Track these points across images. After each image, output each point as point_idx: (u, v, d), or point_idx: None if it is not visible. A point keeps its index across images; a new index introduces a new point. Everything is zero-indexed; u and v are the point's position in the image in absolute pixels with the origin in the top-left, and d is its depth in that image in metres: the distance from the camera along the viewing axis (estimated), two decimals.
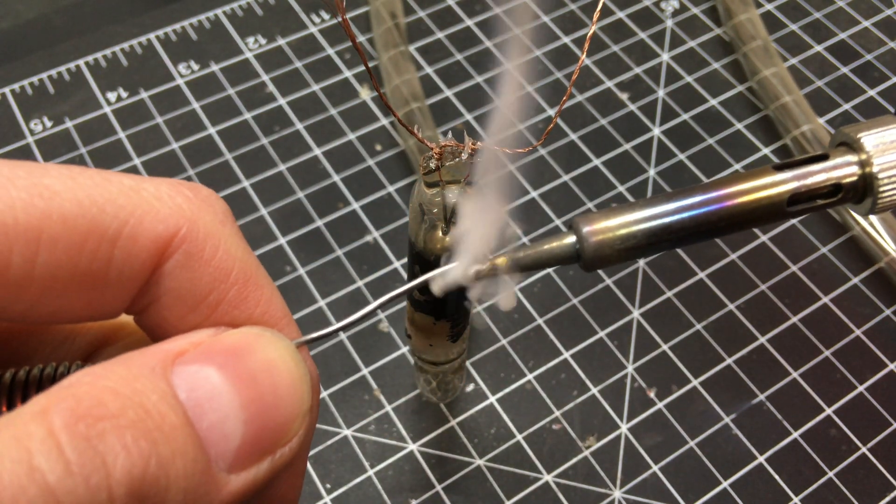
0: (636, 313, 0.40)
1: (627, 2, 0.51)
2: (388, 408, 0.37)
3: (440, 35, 0.49)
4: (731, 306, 0.40)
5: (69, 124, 0.45)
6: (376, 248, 0.41)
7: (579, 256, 0.21)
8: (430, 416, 0.36)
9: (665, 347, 0.38)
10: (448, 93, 0.47)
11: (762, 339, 0.39)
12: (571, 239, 0.21)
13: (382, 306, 0.20)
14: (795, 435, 0.36)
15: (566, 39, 0.49)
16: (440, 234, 0.25)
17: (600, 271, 0.41)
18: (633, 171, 0.44)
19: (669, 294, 0.40)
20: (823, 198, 0.22)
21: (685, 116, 0.46)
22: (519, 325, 0.39)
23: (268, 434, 0.17)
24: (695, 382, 0.38)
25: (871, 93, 0.48)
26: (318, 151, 0.44)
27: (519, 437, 0.36)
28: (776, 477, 0.35)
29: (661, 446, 0.36)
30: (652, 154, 0.45)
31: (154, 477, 0.14)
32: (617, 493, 0.35)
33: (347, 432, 0.36)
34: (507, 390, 0.37)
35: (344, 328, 0.20)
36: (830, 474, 0.35)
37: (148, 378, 0.15)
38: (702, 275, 0.41)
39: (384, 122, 0.45)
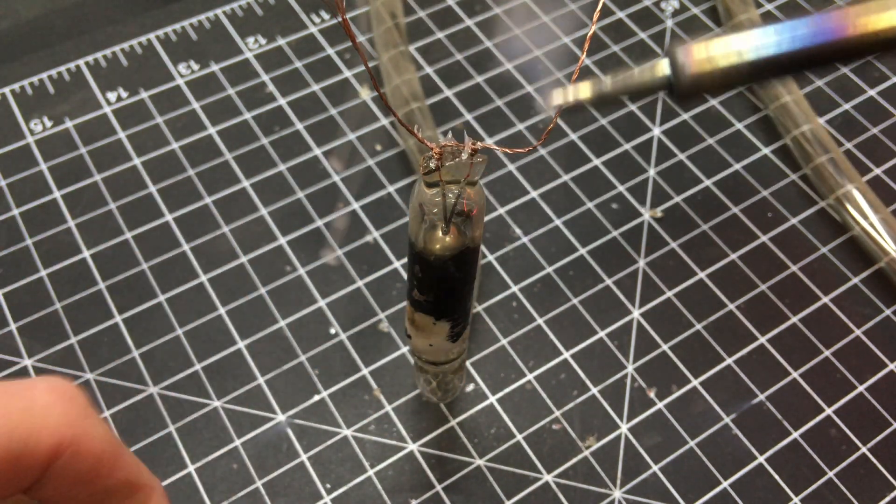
0: (636, 313, 0.40)
1: (627, 2, 0.51)
2: (388, 408, 0.37)
3: (440, 35, 0.49)
4: (731, 306, 0.40)
5: (69, 124, 0.45)
6: (376, 248, 0.41)
7: (672, 86, 0.19)
8: (430, 416, 0.36)
9: (665, 347, 0.39)
10: (448, 93, 0.47)
11: (762, 339, 0.39)
12: (665, 70, 0.19)
13: None
14: (795, 435, 0.36)
15: (566, 39, 0.49)
16: (440, 233, 0.25)
17: (600, 271, 0.41)
18: (633, 170, 0.44)
19: (669, 294, 0.40)
20: None
21: (685, 116, 0.46)
22: (519, 325, 0.39)
23: None
24: (695, 382, 0.38)
25: (871, 93, 0.48)
26: (317, 151, 0.44)
27: (519, 437, 0.36)
28: (776, 477, 0.35)
29: (661, 446, 0.36)
30: (652, 154, 0.45)
31: None
32: (617, 493, 0.35)
33: (347, 432, 0.36)
34: (507, 390, 0.37)
35: None
36: (830, 474, 0.35)
37: None
38: (702, 275, 0.41)
39: (384, 122, 0.45)
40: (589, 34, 0.23)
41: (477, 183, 0.24)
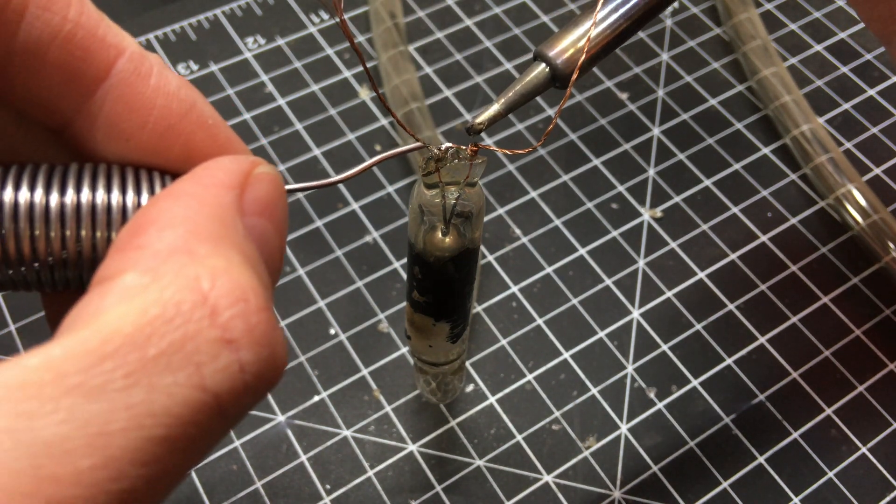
0: (636, 313, 0.39)
1: None
2: (388, 408, 0.37)
3: (440, 35, 0.49)
4: (731, 306, 0.40)
5: None
6: (376, 248, 0.41)
7: (554, 78, 0.24)
8: (429, 417, 0.36)
9: (665, 347, 0.38)
10: (448, 93, 0.47)
11: (762, 339, 0.39)
12: (542, 66, 0.24)
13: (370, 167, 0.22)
14: (795, 435, 0.36)
15: None
16: (440, 235, 0.25)
17: (600, 271, 0.40)
18: (633, 170, 0.44)
19: (669, 294, 0.40)
20: None
21: (685, 116, 0.46)
22: (519, 326, 0.39)
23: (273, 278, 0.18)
24: (695, 382, 0.38)
25: (871, 92, 0.48)
26: (317, 152, 0.44)
27: (519, 437, 0.36)
28: (776, 477, 0.35)
29: (661, 446, 0.36)
30: (652, 154, 0.45)
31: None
32: (617, 494, 0.35)
33: (347, 433, 0.36)
34: (506, 391, 0.37)
35: (333, 183, 0.22)
36: (830, 474, 0.35)
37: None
38: (702, 275, 0.41)
39: (384, 122, 0.45)
40: (589, 34, 0.23)
41: (476, 184, 0.24)
